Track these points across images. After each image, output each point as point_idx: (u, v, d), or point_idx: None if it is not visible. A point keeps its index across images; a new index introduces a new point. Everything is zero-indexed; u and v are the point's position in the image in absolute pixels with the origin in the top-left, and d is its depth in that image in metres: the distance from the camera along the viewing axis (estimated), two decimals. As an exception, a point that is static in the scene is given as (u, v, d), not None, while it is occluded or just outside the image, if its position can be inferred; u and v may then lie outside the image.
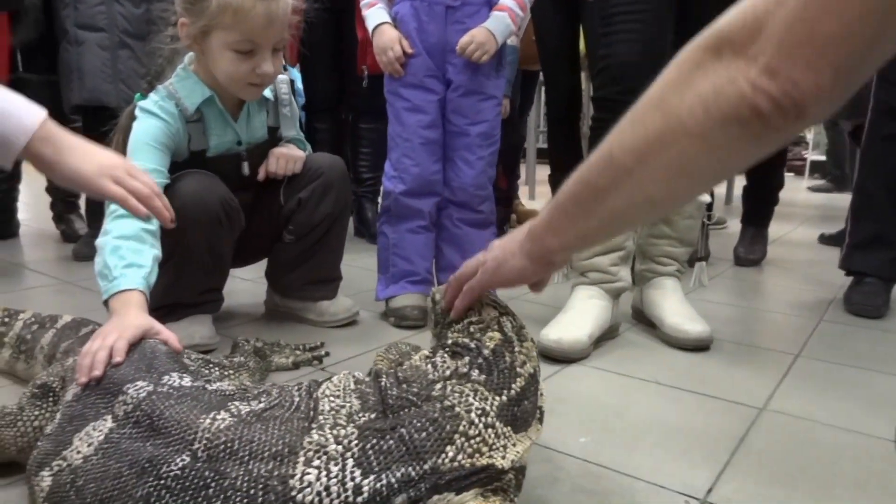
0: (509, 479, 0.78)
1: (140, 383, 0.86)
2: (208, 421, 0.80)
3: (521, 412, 0.83)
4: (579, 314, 1.58)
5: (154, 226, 1.24)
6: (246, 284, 2.11)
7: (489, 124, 1.81)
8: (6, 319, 1.32)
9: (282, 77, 1.64)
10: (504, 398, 0.82)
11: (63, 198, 2.86)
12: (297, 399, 0.85)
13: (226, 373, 1.04)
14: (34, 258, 2.52)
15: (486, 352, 0.86)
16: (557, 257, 0.85)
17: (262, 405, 0.84)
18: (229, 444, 0.77)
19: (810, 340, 1.69)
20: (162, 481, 0.74)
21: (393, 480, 0.73)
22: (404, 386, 0.83)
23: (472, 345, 0.88)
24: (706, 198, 1.82)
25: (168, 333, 1.03)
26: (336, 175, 1.68)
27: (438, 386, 0.82)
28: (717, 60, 0.56)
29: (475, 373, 0.83)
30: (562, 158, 2.47)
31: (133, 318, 1.03)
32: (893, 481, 1.03)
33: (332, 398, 0.84)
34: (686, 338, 1.58)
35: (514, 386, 0.84)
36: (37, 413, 0.96)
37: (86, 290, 2.02)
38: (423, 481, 0.73)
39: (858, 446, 1.13)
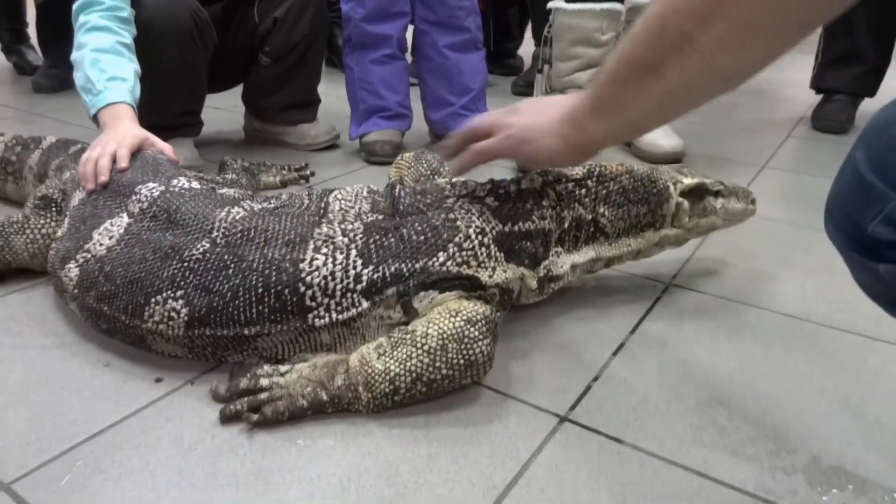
0: (493, 293, 0.84)
1: (151, 184, 0.90)
2: (224, 213, 0.85)
3: (521, 249, 0.87)
4: None
5: (128, 39, 1.20)
6: (221, 113, 2.07)
7: None
8: (-15, 143, 1.31)
9: None
10: (506, 228, 0.86)
11: (9, 26, 2.66)
12: (307, 201, 0.90)
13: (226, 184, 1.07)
14: (-9, 93, 2.41)
15: (512, 187, 0.89)
16: (598, 147, 0.75)
17: (272, 204, 0.89)
18: (245, 232, 0.83)
19: (777, 153, 1.77)
20: (185, 263, 0.81)
21: (387, 273, 0.80)
22: (419, 196, 0.89)
23: (506, 179, 0.90)
24: None
25: (164, 144, 1.05)
26: None
27: (451, 200, 0.87)
28: None
29: (490, 199, 0.88)
30: None
31: (128, 128, 1.04)
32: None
33: (342, 201, 0.89)
34: (660, 151, 1.64)
35: (522, 224, 0.87)
36: (42, 221, 1.00)
37: (56, 121, 1.97)
38: (413, 278, 0.80)
39: (812, 238, 1.24)
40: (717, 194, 1.01)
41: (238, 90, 1.78)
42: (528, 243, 0.87)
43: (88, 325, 0.89)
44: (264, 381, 0.78)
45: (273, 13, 1.59)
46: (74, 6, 1.20)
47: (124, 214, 0.89)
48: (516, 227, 0.86)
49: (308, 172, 1.53)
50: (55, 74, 2.31)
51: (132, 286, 0.82)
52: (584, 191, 0.93)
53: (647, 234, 0.98)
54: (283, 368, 0.80)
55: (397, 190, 0.90)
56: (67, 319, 0.94)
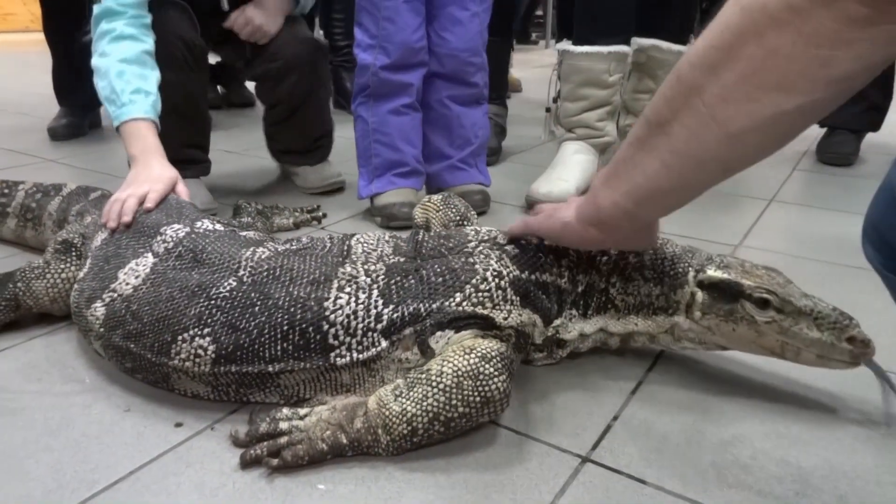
0: (509, 334, 0.84)
1: (176, 225, 0.93)
2: (249, 252, 0.88)
3: (536, 297, 0.87)
4: (567, 168, 1.63)
5: (151, 46, 1.26)
6: (233, 156, 2.11)
7: None
8: (6, 191, 1.34)
9: None
10: (524, 275, 0.87)
11: None
12: (329, 244, 0.92)
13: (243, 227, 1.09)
14: (4, 137, 2.46)
15: (535, 239, 0.90)
16: (608, 219, 0.72)
17: (295, 246, 0.91)
18: (272, 271, 0.85)
19: (784, 186, 1.79)
20: (213, 301, 0.83)
21: (406, 313, 0.81)
22: (442, 240, 0.91)
23: (534, 240, 0.90)
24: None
25: (184, 188, 1.08)
26: (297, 63, 1.60)
27: (472, 245, 0.89)
28: None
29: (510, 247, 0.89)
30: None
31: (159, 168, 1.09)
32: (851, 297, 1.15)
33: (365, 244, 0.91)
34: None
35: (539, 275, 0.88)
36: (63, 266, 1.01)
37: (71, 167, 2.01)
38: (430, 317, 0.81)
39: (828, 273, 1.25)
40: (762, 303, 0.83)
41: (248, 135, 1.82)
42: (543, 295, 0.88)
43: (112, 364, 0.90)
44: (284, 425, 0.78)
45: (257, 68, 1.65)
46: (95, 12, 1.24)
47: (149, 254, 0.91)
48: (533, 276, 0.87)
49: (320, 214, 1.55)
50: (71, 122, 2.36)
51: (159, 324, 0.83)
52: (604, 258, 0.90)
53: (658, 318, 0.90)
54: (302, 412, 0.80)
55: (421, 234, 0.92)
56: (88, 364, 0.95)
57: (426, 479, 0.73)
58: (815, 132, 2.14)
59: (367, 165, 1.56)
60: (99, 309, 0.88)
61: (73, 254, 1.02)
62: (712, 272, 0.87)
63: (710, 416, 0.84)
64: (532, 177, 1.68)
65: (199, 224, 0.94)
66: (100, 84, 1.20)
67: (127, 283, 0.88)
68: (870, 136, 2.03)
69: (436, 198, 1.09)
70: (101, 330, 0.88)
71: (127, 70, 1.19)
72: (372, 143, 1.53)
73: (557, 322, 0.89)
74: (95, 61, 1.21)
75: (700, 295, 0.87)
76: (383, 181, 1.54)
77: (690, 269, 0.88)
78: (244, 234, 0.94)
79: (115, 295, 0.88)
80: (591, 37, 1.57)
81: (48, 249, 1.05)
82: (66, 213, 1.21)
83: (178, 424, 0.82)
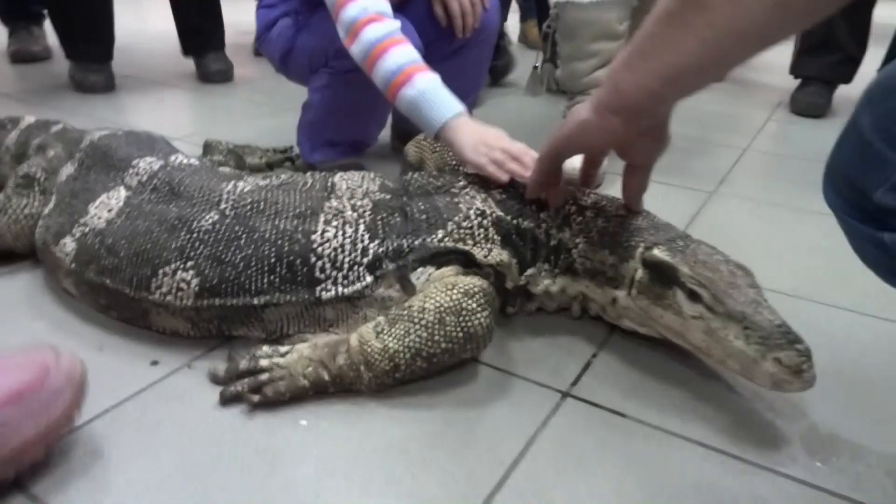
0: (488, 272, 0.84)
1: (149, 158, 0.90)
2: (230, 186, 0.85)
3: (515, 242, 0.86)
4: None
5: None
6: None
7: None
8: (-42, 124, 1.26)
9: None
10: (509, 217, 0.86)
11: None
12: (310, 180, 0.90)
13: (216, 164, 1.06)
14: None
15: (522, 189, 0.88)
16: (631, 105, 0.65)
17: (276, 181, 0.88)
18: (255, 204, 0.83)
19: (758, 136, 1.80)
20: (195, 234, 0.81)
21: (390, 248, 0.81)
22: (430, 180, 0.90)
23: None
24: None
25: None
26: None
27: (460, 185, 0.88)
28: None
29: (497, 192, 0.88)
30: None
31: None
32: (822, 242, 1.17)
33: (349, 181, 0.90)
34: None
35: (521, 220, 0.86)
36: (25, 201, 0.96)
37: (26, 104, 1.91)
38: (412, 253, 0.80)
39: (797, 218, 1.27)
40: (692, 295, 0.75)
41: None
42: (521, 241, 0.87)
43: (84, 303, 0.88)
44: (264, 362, 0.77)
45: None
46: None
47: (121, 188, 0.88)
48: (515, 221, 0.86)
49: (293, 153, 1.51)
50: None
51: (138, 258, 0.81)
52: (580, 219, 0.87)
53: (606, 288, 0.85)
54: (283, 349, 0.79)
55: (409, 174, 0.91)
56: (57, 301, 0.92)
57: (409, 415, 0.74)
58: (790, 83, 2.15)
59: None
60: (69, 244, 0.85)
61: (37, 189, 0.98)
62: (657, 252, 0.79)
63: (686, 353, 0.86)
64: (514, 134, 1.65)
65: (172, 158, 0.90)
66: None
67: (99, 217, 0.85)
68: (842, 88, 2.05)
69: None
70: (73, 266, 0.85)
71: None
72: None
73: (529, 272, 0.87)
74: None
75: (640, 272, 0.81)
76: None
77: (641, 244, 0.82)
78: (221, 168, 0.91)
79: (87, 229, 0.85)
80: None
81: (8, 184, 1.00)
82: (26, 146, 1.15)
83: (154, 363, 0.81)
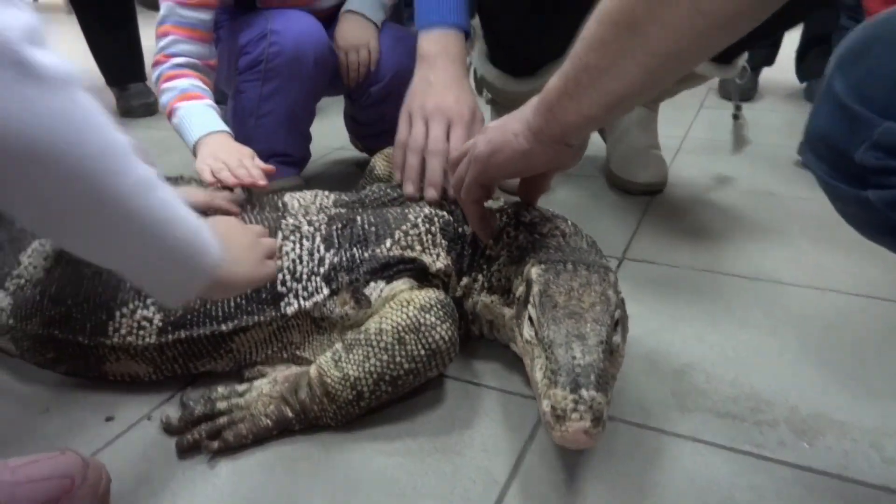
0: (438, 283, 0.81)
1: None
2: None
3: (468, 250, 0.82)
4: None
5: None
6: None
7: None
8: None
9: None
10: (455, 223, 0.84)
11: None
12: (257, 203, 0.89)
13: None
14: None
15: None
16: (574, 133, 0.67)
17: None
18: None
19: (693, 124, 1.85)
20: None
21: (344, 259, 0.79)
22: (387, 191, 0.90)
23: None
24: None
25: None
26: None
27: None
28: None
29: (453, 206, 0.86)
30: None
31: None
32: (777, 225, 1.20)
33: (300, 199, 0.89)
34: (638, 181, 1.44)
35: (467, 228, 0.83)
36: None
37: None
38: (363, 265, 0.78)
39: (756, 203, 1.30)
40: (529, 318, 0.68)
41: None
42: (462, 249, 0.83)
43: (26, 359, 0.80)
44: (221, 405, 0.72)
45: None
46: None
47: None
48: (461, 229, 0.84)
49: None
50: None
51: (89, 304, 0.76)
52: (513, 233, 0.81)
53: (504, 307, 0.79)
54: (240, 388, 0.75)
55: (367, 188, 0.91)
56: (-11, 365, 0.84)
57: (392, 441, 0.70)
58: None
59: None
60: (3, 300, 0.78)
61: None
62: (533, 269, 0.72)
63: (662, 348, 0.86)
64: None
65: None
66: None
67: (35, 267, 0.78)
68: (766, 71, 2.14)
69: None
70: (11, 322, 0.78)
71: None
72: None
73: (464, 282, 0.82)
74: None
75: (521, 289, 0.74)
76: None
77: (532, 259, 0.74)
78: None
79: (23, 281, 0.78)
80: None
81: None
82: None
83: (110, 418, 0.74)
